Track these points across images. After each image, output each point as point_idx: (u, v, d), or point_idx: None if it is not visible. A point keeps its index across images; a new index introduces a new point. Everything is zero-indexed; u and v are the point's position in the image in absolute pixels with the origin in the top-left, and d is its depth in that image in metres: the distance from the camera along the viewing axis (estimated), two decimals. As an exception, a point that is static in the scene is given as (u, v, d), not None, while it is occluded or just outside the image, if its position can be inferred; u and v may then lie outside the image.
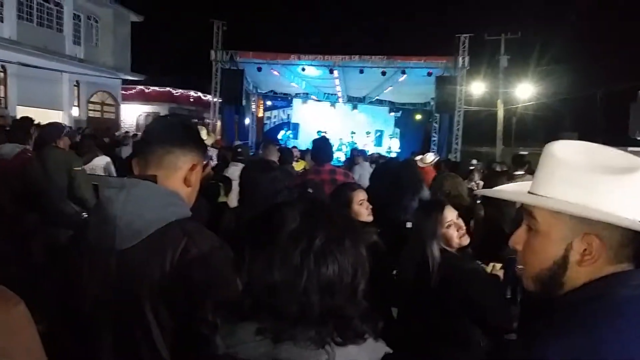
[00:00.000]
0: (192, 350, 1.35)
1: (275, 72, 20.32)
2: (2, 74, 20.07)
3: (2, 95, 20.19)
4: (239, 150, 7.41)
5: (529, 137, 29.53)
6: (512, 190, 1.32)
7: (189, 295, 1.43)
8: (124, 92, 28.47)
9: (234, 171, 5.17)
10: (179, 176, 1.63)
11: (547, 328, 1.05)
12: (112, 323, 1.51)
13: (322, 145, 5.31)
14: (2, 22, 19.83)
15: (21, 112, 16.36)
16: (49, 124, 5.18)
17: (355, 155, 10.70)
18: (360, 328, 0.96)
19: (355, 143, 21.03)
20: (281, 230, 0.97)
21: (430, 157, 9.16)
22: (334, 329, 0.93)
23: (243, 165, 5.03)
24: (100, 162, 6.59)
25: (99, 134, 14.00)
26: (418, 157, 9.36)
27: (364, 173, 7.84)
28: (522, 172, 7.31)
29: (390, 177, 5.76)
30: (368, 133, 22.83)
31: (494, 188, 1.33)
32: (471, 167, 10.28)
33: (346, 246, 1.00)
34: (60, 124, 5.48)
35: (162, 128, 1.67)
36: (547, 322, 1.08)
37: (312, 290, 0.93)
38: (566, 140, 1.17)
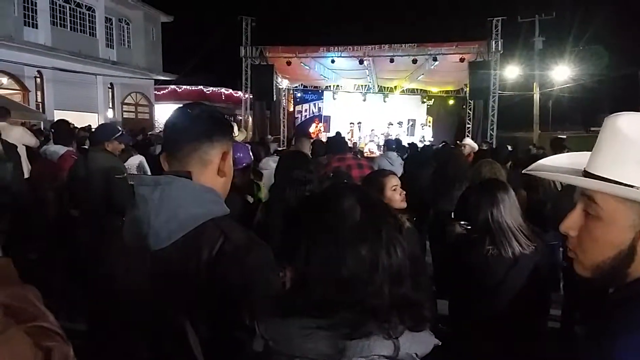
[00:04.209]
0: (228, 355, 1.30)
1: (305, 66, 20.26)
2: (38, 80, 20.55)
3: (40, 100, 20.69)
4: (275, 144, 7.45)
5: (567, 120, 28.82)
6: (566, 169, 1.20)
7: (226, 298, 1.36)
8: (156, 92, 28.86)
9: (266, 162, 5.24)
10: (212, 169, 1.57)
11: (619, 323, 0.96)
12: (147, 326, 1.46)
13: (339, 139, 6.74)
14: (37, 28, 20.29)
15: (58, 116, 16.64)
16: (102, 124, 5.11)
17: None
18: (428, 314, 0.95)
19: (390, 135, 20.84)
20: (344, 222, 0.93)
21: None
22: (408, 318, 0.91)
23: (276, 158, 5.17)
24: (135, 161, 6.67)
25: (134, 134, 14.18)
26: None
27: (382, 163, 7.70)
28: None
29: (434, 167, 5.70)
30: (400, 123, 22.57)
31: (547, 167, 1.21)
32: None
33: (403, 233, 0.99)
34: (115, 126, 5.41)
35: (184, 124, 1.58)
36: (618, 317, 0.99)
37: (384, 282, 0.91)
38: (633, 113, 1.04)
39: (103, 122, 21.54)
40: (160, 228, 1.41)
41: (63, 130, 5.83)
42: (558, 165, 1.21)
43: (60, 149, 5.31)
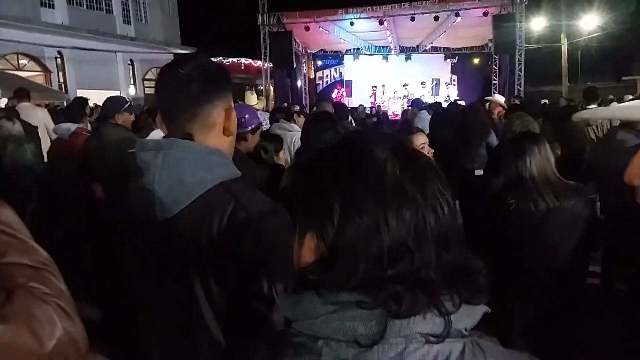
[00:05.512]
0: (247, 329, 1.17)
1: (324, 30, 19.90)
2: (59, 60, 20.64)
3: (62, 80, 20.82)
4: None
5: (597, 71, 27.93)
6: (625, 107, 1.05)
7: (241, 267, 1.24)
8: (176, 66, 28.82)
9: (275, 128, 5.16)
10: (217, 131, 1.42)
11: None
12: (159, 301, 1.37)
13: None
14: (54, 8, 20.29)
15: (81, 95, 16.78)
16: (109, 98, 4.98)
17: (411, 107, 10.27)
18: (485, 283, 0.77)
19: (412, 95, 20.49)
20: (383, 179, 0.75)
21: None
22: (464, 289, 0.75)
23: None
24: (157, 136, 6.58)
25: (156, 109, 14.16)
26: None
27: (417, 123, 7.51)
28: (595, 106, 6.84)
29: (456, 124, 5.49)
30: (423, 83, 22.11)
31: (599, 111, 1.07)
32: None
33: (449, 189, 0.80)
34: (122, 97, 5.30)
35: (178, 86, 1.39)
36: None
37: (432, 248, 0.74)
38: None
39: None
40: (165, 195, 1.29)
41: (73, 108, 5.77)
42: (625, 106, 1.06)
43: (71, 126, 5.24)
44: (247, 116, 3.20)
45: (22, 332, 0.84)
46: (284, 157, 3.73)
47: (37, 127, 6.49)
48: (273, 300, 0.87)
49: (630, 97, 8.66)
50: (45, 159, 6.19)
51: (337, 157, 0.81)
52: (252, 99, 7.43)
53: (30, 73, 19.31)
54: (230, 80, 1.50)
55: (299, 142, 4.50)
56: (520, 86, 17.79)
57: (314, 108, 9.25)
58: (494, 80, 19.30)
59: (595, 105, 6.89)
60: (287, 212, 1.32)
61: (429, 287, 0.72)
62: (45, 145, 6.40)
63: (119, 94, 22.47)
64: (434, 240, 0.74)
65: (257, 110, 7.08)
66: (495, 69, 19.30)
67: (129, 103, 4.75)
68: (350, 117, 7.41)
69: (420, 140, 3.11)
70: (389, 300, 0.70)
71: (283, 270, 0.94)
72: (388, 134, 1.31)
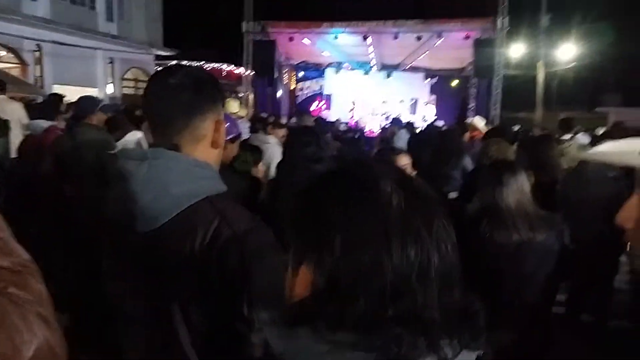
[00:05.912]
0: (224, 349, 1.16)
1: (308, 42, 19.97)
2: (37, 54, 20.27)
3: (39, 74, 20.44)
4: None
5: (572, 100, 28.51)
6: (617, 151, 1.06)
7: (223, 285, 1.22)
8: (157, 67, 28.54)
9: (253, 140, 5.15)
10: (206, 143, 1.40)
11: None
12: (135, 314, 1.34)
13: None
14: (36, 0, 19.96)
15: (57, 90, 16.48)
16: (82, 97, 4.88)
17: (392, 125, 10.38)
18: (484, 325, 0.74)
19: (388, 113, 20.64)
20: (389, 212, 0.72)
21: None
22: (466, 333, 0.72)
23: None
24: (133, 138, 6.48)
25: (134, 109, 13.97)
26: None
27: (397, 143, 7.59)
28: (569, 137, 6.98)
29: (434, 145, 5.56)
30: (402, 102, 22.29)
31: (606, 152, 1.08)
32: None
33: (451, 225, 0.78)
34: (95, 97, 5.22)
35: (168, 96, 1.37)
36: None
37: (435, 288, 0.72)
38: None
39: (103, 97, 21.32)
40: (149, 206, 1.27)
41: (48, 105, 5.65)
42: (617, 149, 1.06)
43: (44, 124, 5.13)
44: (227, 125, 3.18)
45: (1, 343, 0.83)
46: (262, 169, 3.72)
47: (8, 121, 6.35)
48: (253, 322, 0.84)
49: (602, 130, 8.86)
50: (16, 155, 6.05)
51: (339, 186, 0.78)
52: (234, 106, 7.39)
53: (6, 65, 18.92)
54: (221, 91, 1.46)
55: (275, 155, 4.48)
56: (496, 110, 18.07)
57: (293, 119, 9.29)
58: (471, 103, 19.58)
59: (569, 136, 7.02)
60: (270, 231, 1.32)
61: (430, 331, 0.69)
62: (19, 141, 6.26)
63: (96, 92, 22.22)
64: (437, 279, 0.72)
65: (242, 117, 7.04)
66: (473, 92, 19.59)
67: (102, 103, 4.69)
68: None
69: (404, 161, 3.14)
70: (389, 343, 0.66)
71: (266, 292, 0.93)
72: (391, 164, 1.28)
